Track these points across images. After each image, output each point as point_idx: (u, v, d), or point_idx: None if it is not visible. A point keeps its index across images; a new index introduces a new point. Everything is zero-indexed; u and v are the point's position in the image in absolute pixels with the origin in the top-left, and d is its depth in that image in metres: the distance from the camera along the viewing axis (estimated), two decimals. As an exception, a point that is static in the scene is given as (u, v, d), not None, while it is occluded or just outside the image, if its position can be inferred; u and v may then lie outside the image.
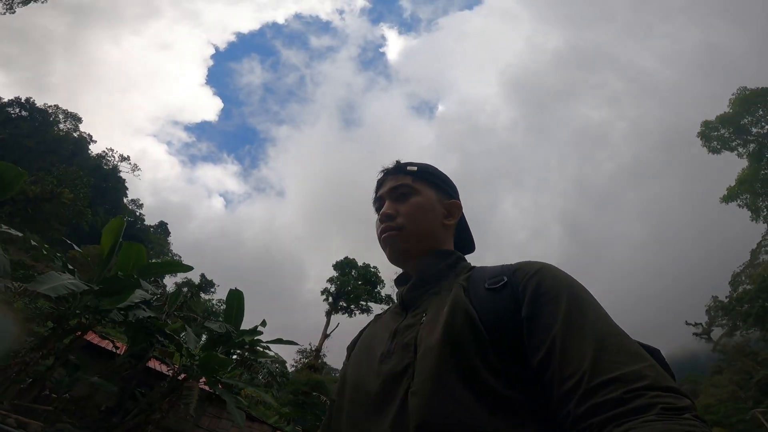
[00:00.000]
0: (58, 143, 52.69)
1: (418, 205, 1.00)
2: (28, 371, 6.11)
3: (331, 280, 37.08)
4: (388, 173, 1.09)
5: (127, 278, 6.90)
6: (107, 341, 8.57)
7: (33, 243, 8.25)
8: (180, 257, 52.16)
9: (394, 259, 1.01)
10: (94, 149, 57.51)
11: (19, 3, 35.71)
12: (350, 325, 36.92)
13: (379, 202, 1.08)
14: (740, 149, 26.71)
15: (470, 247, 1.15)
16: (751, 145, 26.58)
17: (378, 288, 36.75)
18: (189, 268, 9.42)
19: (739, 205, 28.16)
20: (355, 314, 36.35)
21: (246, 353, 9.47)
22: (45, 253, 7.77)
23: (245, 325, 9.70)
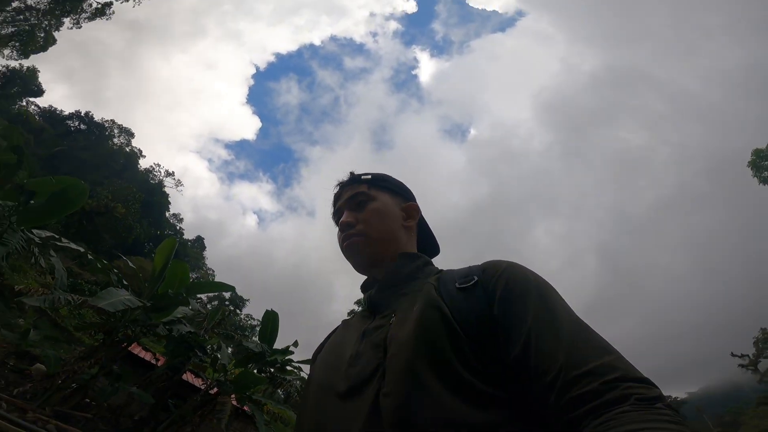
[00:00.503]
0: (112, 157, 56.27)
1: (376, 210, 1.01)
2: (74, 379, 6.50)
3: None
4: (343, 185, 1.10)
5: (177, 296, 7.30)
6: (149, 353, 8.98)
7: (90, 257, 8.89)
8: (214, 272, 53.94)
9: (359, 266, 1.01)
10: (143, 163, 60.92)
11: (85, 18, 37.55)
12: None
13: (337, 215, 1.09)
14: (793, 180, 25.10)
15: (435, 250, 1.15)
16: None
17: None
18: (231, 288, 9.80)
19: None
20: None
21: (276, 372, 9.67)
22: (100, 266, 8.34)
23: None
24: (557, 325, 0.66)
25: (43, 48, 39.94)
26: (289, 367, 9.92)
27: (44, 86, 58.31)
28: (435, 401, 0.63)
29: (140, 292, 9.07)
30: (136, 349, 9.66)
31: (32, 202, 9.06)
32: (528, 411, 0.62)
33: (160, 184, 58.05)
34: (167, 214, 57.06)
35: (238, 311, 45.72)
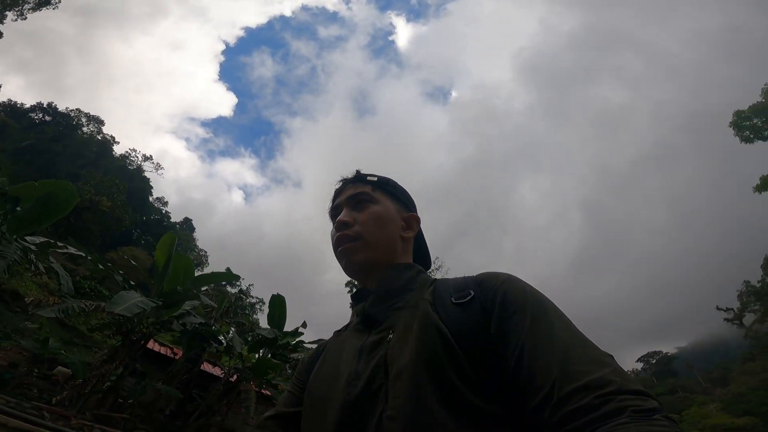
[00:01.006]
0: (84, 146, 54.14)
1: (377, 215, 0.97)
2: (103, 382, 6.67)
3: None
4: (346, 182, 1.05)
5: (186, 292, 7.40)
6: (166, 348, 9.17)
7: (89, 258, 8.84)
8: (206, 252, 53.74)
9: (351, 271, 0.96)
10: (117, 150, 58.99)
11: (29, 9, 36.00)
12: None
13: (335, 211, 1.04)
14: (774, 138, 26.32)
15: (426, 264, 1.11)
16: (786, 134, 26.00)
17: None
18: (236, 278, 9.93)
19: (775, 194, 27.43)
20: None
21: (290, 354, 10.00)
22: (102, 268, 8.31)
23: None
24: (552, 339, 0.65)
25: None
26: (300, 348, 10.27)
27: (-1, 79, 54.82)
28: (442, 426, 0.63)
29: (147, 287, 9.16)
30: (152, 345, 9.82)
31: (18, 208, 8.87)
32: (524, 428, 0.61)
33: (139, 170, 56.62)
34: (151, 199, 55.93)
35: (233, 289, 45.97)
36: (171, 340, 11.82)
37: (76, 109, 59.50)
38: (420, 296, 0.83)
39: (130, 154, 58.27)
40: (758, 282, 33.54)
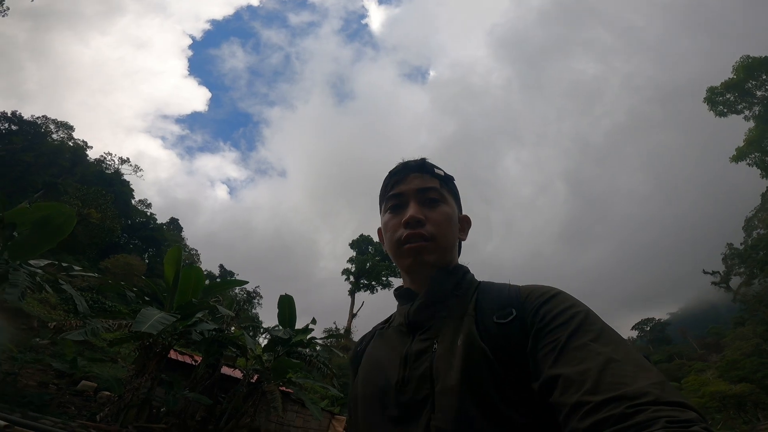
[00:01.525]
0: (56, 154, 52.43)
1: (449, 217, 0.95)
2: (137, 395, 6.96)
3: (350, 260, 38.22)
4: (411, 169, 0.99)
5: (201, 303, 7.66)
6: (185, 355, 9.48)
7: (97, 277, 8.99)
8: (197, 251, 53.25)
9: (416, 271, 0.93)
10: (92, 155, 57.35)
11: None
12: (374, 301, 38.42)
13: (396, 200, 0.98)
14: (746, 112, 27.77)
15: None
16: (757, 107, 27.49)
17: (397, 261, 37.65)
18: (245, 283, 10.24)
19: (749, 164, 28.56)
20: (377, 290, 37.99)
21: (306, 350, 10.42)
22: (113, 285, 8.48)
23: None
24: (591, 348, 0.64)
25: None
26: (313, 344, 10.68)
27: (-48, 89, 52.20)
28: None
29: (158, 298, 9.37)
30: (172, 354, 10.11)
31: (15, 234, 8.91)
32: None
33: (117, 173, 55.22)
34: (133, 202, 54.88)
35: (252, 297, 45.27)
36: (183, 345, 12.13)
37: (43, 116, 57.01)
38: (464, 307, 0.84)
39: (105, 158, 56.71)
40: (741, 244, 34.32)
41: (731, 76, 26.93)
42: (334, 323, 37.22)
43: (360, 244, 38.87)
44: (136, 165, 56.57)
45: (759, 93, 26.84)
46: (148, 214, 54.22)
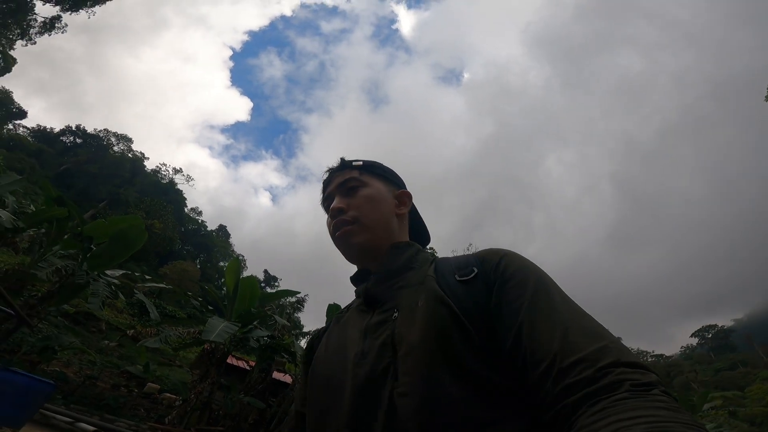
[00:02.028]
0: (117, 165, 56.73)
1: (369, 197, 0.98)
2: (201, 399, 7.63)
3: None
4: (333, 171, 1.07)
5: (260, 312, 8.25)
6: (241, 360, 10.18)
7: (166, 287, 9.86)
8: (243, 257, 55.85)
9: (351, 256, 0.97)
10: (148, 165, 61.44)
11: (36, 33, 35.54)
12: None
13: (327, 201, 1.04)
14: (809, 108, 25.65)
15: (425, 239, 1.12)
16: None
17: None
18: (297, 293, 10.80)
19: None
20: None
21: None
22: (182, 297, 9.28)
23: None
24: (552, 313, 0.65)
25: (7, 69, 38.91)
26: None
27: (19, 103, 57.31)
28: (455, 401, 0.63)
29: (218, 307, 10.13)
30: (229, 359, 10.89)
31: (93, 247, 9.83)
32: (529, 398, 0.62)
33: (172, 183, 58.83)
34: (186, 210, 58.24)
35: (272, 289, 47.61)
36: (238, 350, 12.95)
37: (104, 129, 62.10)
38: (423, 274, 0.84)
39: (160, 168, 60.75)
40: None
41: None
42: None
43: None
44: (188, 174, 60.26)
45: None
46: (200, 221, 57.55)
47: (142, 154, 60.78)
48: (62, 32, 37.15)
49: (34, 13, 34.46)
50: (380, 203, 0.98)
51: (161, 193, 54.94)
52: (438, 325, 0.70)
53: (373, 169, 1.05)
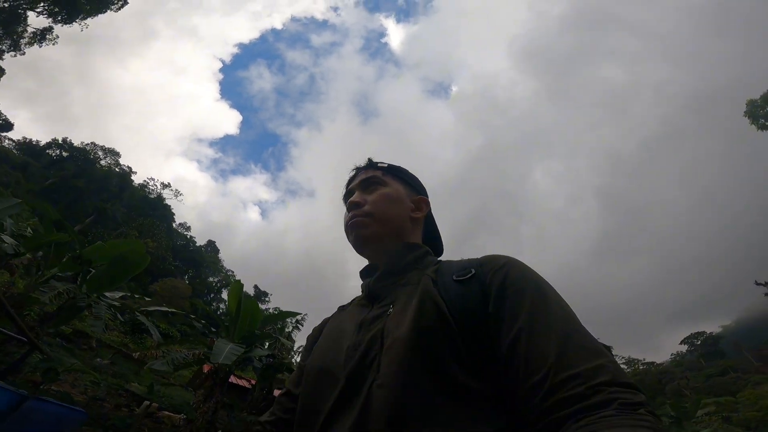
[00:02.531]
0: (105, 180, 56.11)
1: (386, 195, 1.02)
2: (206, 419, 7.75)
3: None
4: (359, 170, 1.12)
5: (264, 334, 8.44)
6: (242, 380, 10.32)
7: (168, 311, 9.99)
8: (233, 272, 55.38)
9: (358, 245, 1.00)
10: (136, 180, 60.89)
11: (26, 44, 34.83)
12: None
13: (348, 197, 1.09)
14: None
15: (439, 250, 1.13)
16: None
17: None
18: (297, 314, 11.00)
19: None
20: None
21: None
22: (183, 320, 9.43)
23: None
24: (551, 325, 0.65)
25: None
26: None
27: (6, 115, 56.50)
28: (425, 398, 0.64)
29: (217, 323, 10.26)
30: (234, 379, 10.99)
31: (91, 269, 9.87)
32: (515, 410, 0.62)
33: (160, 198, 58.38)
34: (174, 225, 57.74)
35: (263, 305, 47.36)
36: (240, 369, 13.06)
37: (91, 142, 61.46)
38: (424, 273, 0.86)
39: (148, 183, 60.28)
40: None
41: (770, 87, 25.73)
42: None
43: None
44: (176, 189, 59.84)
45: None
46: (188, 236, 57.06)
47: (130, 168, 60.34)
48: (53, 44, 36.41)
49: (27, 25, 34.11)
50: (396, 203, 1.02)
51: (149, 208, 54.45)
52: (422, 322, 0.72)
53: (396, 171, 1.10)
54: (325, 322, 1.05)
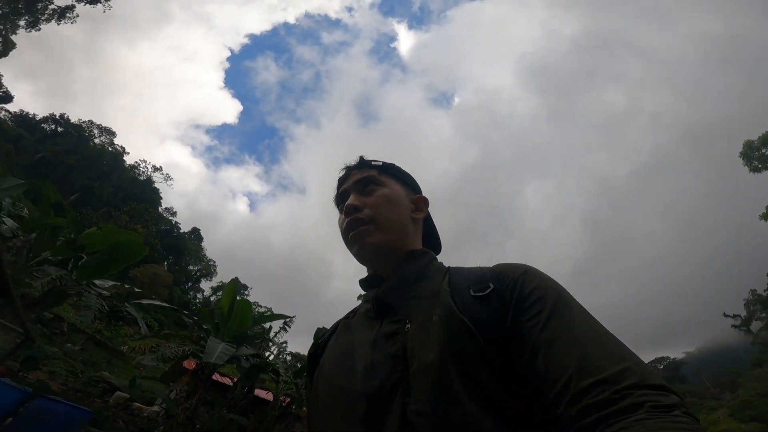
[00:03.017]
0: (97, 159, 55.29)
1: (386, 197, 0.96)
2: (186, 415, 7.89)
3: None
4: (351, 168, 1.05)
5: (256, 335, 8.63)
6: (226, 377, 10.48)
7: (165, 307, 10.12)
8: (215, 263, 54.94)
9: (363, 257, 0.93)
10: (127, 160, 60.18)
11: (43, 21, 34.97)
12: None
13: (341, 198, 1.02)
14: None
15: (437, 247, 1.10)
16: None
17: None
18: (289, 317, 11.19)
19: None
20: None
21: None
22: (175, 312, 9.57)
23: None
24: (572, 332, 0.64)
25: (4, 53, 37.95)
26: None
27: (7, 87, 55.58)
28: (472, 423, 0.60)
29: (217, 330, 10.42)
30: (217, 377, 11.13)
31: (84, 256, 9.91)
32: (545, 422, 0.59)
33: (149, 180, 57.79)
34: (160, 209, 57.13)
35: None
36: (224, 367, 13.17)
37: (88, 120, 60.67)
38: (437, 286, 0.81)
39: (139, 164, 59.58)
40: (765, 291, 34.90)
41: (768, 129, 25.65)
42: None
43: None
44: (167, 174, 59.24)
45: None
46: (173, 222, 56.30)
47: (123, 148, 59.56)
48: (72, 22, 36.38)
49: (50, 2, 33.72)
50: (397, 205, 0.97)
51: (138, 190, 53.85)
52: (455, 344, 0.68)
53: (392, 170, 1.05)
54: (328, 333, 0.99)
